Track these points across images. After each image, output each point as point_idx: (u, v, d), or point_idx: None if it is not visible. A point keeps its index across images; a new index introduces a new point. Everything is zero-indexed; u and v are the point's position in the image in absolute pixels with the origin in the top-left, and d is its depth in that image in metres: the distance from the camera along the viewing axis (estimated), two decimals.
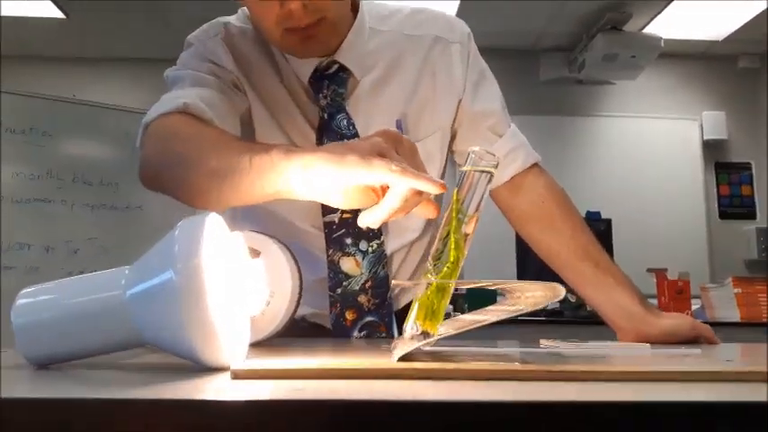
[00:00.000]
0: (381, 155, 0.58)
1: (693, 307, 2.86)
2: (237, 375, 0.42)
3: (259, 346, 0.79)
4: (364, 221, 0.62)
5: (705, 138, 4.47)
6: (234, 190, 0.71)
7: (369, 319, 1.08)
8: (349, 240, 1.08)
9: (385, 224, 1.11)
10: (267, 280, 0.78)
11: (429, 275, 0.52)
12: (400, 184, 0.56)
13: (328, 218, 1.08)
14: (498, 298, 0.76)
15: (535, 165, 1.14)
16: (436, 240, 0.53)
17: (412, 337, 0.51)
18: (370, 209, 0.62)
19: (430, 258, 0.53)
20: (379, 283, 1.08)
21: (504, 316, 0.49)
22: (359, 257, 1.08)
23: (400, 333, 1.10)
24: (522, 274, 2.94)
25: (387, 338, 1.06)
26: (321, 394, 0.35)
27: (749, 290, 2.66)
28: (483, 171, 0.53)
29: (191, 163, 0.78)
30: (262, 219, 1.14)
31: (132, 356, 0.56)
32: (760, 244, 4.40)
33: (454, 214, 0.52)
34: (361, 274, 1.08)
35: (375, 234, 1.08)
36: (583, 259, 1.06)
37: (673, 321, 1.01)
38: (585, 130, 4.50)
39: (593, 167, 4.40)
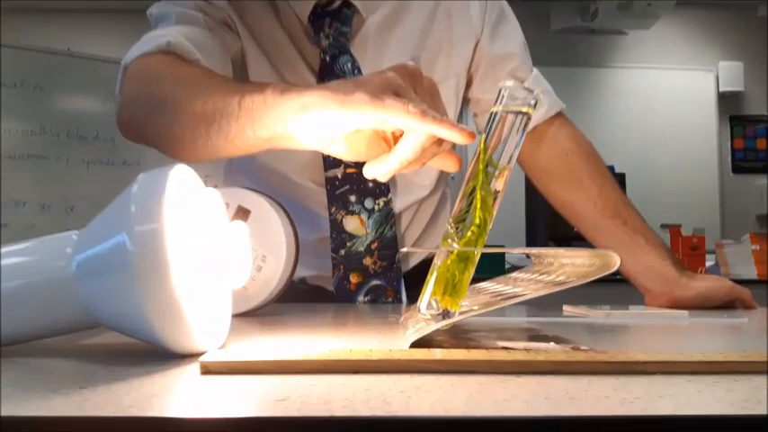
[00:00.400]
0: (396, 93, 0.48)
1: (707, 264, 2.77)
2: (208, 369, 0.33)
3: (250, 315, 0.70)
4: (371, 172, 0.52)
5: (721, 89, 4.31)
6: (222, 137, 0.61)
7: (375, 282, 0.99)
8: (353, 198, 0.99)
9: (393, 179, 1.02)
10: (259, 242, 0.69)
11: (450, 241, 0.42)
12: (418, 129, 0.47)
13: (330, 172, 0.98)
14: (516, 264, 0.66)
15: (560, 114, 1.03)
16: (458, 198, 0.43)
17: (429, 317, 0.41)
18: (379, 158, 0.52)
19: (450, 220, 0.43)
20: (387, 244, 0.99)
21: (545, 291, 0.39)
22: (364, 216, 0.99)
23: (409, 298, 1.02)
24: (531, 239, 2.85)
25: (394, 304, 0.98)
26: (310, 407, 0.26)
27: (767, 246, 2.57)
28: (518, 112, 0.42)
29: (173, 108, 0.68)
30: (257, 174, 1.04)
31: (91, 336, 0.47)
32: None
33: (481, 166, 0.42)
34: (367, 234, 0.98)
35: (382, 191, 0.99)
36: (611, 218, 0.96)
37: (708, 284, 0.92)
38: (597, 81, 4.34)
39: (605, 120, 4.25)
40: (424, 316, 0.42)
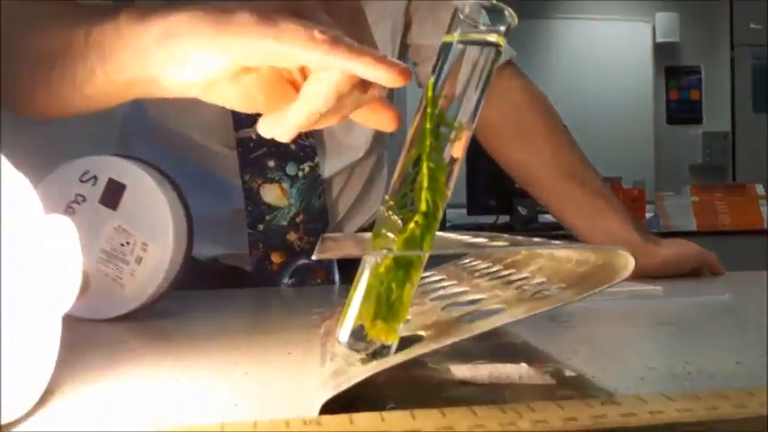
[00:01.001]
0: (297, 14, 0.33)
1: (647, 215, 2.75)
2: None
3: (129, 319, 0.54)
4: (267, 129, 0.37)
5: (657, 40, 4.28)
6: (67, 84, 0.44)
7: (302, 261, 0.85)
8: (272, 162, 0.83)
9: (320, 140, 0.86)
10: (137, 226, 0.53)
11: (384, 236, 0.27)
12: (329, 64, 0.32)
13: (242, 132, 0.82)
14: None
15: (510, 63, 0.90)
16: (396, 172, 0.28)
17: (351, 355, 0.27)
18: (280, 110, 0.37)
19: (384, 205, 0.29)
20: (314, 217, 0.84)
21: (526, 311, 0.25)
22: (285, 184, 0.83)
23: (343, 277, 0.87)
24: (472, 197, 2.74)
25: (325, 286, 0.84)
26: None
27: (707, 198, 2.55)
28: (483, 42, 0.28)
29: (11, 50, 0.50)
30: (151, 136, 0.87)
31: None
32: (704, 149, 4.33)
33: (429, 125, 0.27)
34: (290, 205, 0.83)
35: (307, 153, 0.83)
36: (567, 179, 0.84)
37: (676, 250, 0.83)
38: (532, 33, 4.22)
39: (541, 72, 4.14)
40: (344, 353, 0.28)
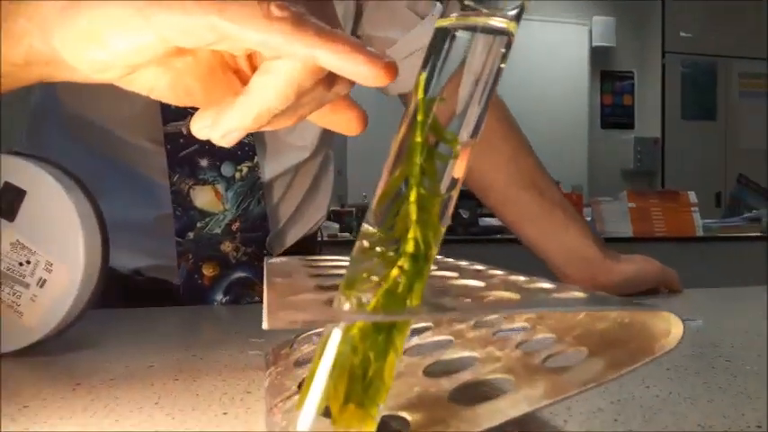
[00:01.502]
0: None
1: None
2: None
3: (26, 355, 0.45)
4: (202, 128, 0.29)
5: (593, 44, 4.35)
6: None
7: (238, 275, 0.76)
8: (204, 161, 0.74)
9: (260, 138, 0.78)
10: (39, 241, 0.44)
11: (358, 283, 0.20)
12: (291, 50, 0.24)
13: (171, 126, 0.73)
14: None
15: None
16: (377, 195, 0.21)
17: None
18: (222, 105, 0.28)
19: (362, 233, 0.21)
20: (253, 224, 0.76)
21: (567, 391, 0.19)
22: (220, 187, 0.75)
23: None
24: None
25: (262, 302, 0.75)
26: None
27: (643, 204, 2.58)
28: (490, 30, 0.21)
29: None
30: (67, 128, 0.77)
31: None
32: (636, 153, 4.44)
33: (418, 139, 0.20)
34: (225, 210, 0.75)
35: (245, 153, 0.75)
36: (525, 188, 0.79)
37: (636, 267, 0.79)
38: None
39: None
40: None
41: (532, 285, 0.25)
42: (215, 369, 0.41)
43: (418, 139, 0.21)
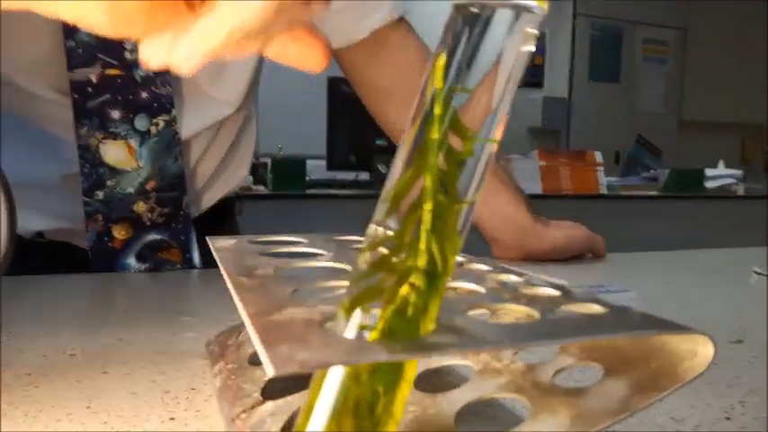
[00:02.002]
0: None
1: None
2: None
3: None
4: (159, 51, 0.23)
5: None
6: None
7: (152, 237, 0.70)
8: (116, 113, 0.67)
9: (179, 90, 0.71)
10: None
11: (363, 296, 0.17)
12: None
13: (78, 73, 0.65)
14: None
15: (403, 20, 0.79)
16: (386, 188, 0.18)
17: None
18: (183, 27, 0.23)
19: (369, 237, 0.18)
20: (169, 183, 0.70)
21: (600, 424, 0.17)
22: (133, 142, 0.68)
23: (204, 260, 0.74)
24: (333, 156, 2.62)
25: (182, 271, 0.70)
26: None
27: (553, 163, 2.66)
28: (523, 7, 0.18)
29: None
30: None
31: None
32: (544, 112, 4.56)
33: (435, 134, 0.17)
34: (139, 168, 0.68)
35: (162, 105, 0.68)
36: None
37: (566, 233, 0.79)
38: None
39: None
40: None
41: (536, 292, 0.23)
42: (148, 358, 0.37)
43: (434, 135, 0.17)
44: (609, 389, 0.19)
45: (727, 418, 0.30)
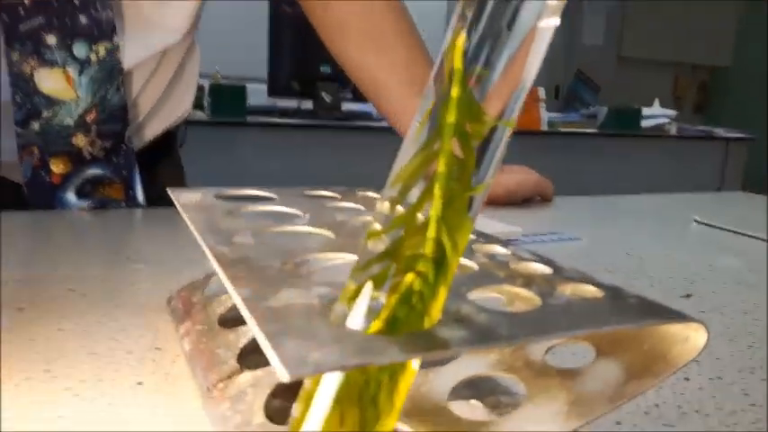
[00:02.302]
0: None
1: None
2: None
3: None
4: None
5: None
6: None
7: (93, 172, 0.67)
8: (52, 39, 0.62)
9: (120, 14, 0.66)
10: None
11: (351, 297, 0.16)
12: None
13: None
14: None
15: None
16: (396, 166, 0.17)
17: None
18: None
19: (378, 212, 0.17)
20: (110, 115, 0.66)
21: (596, 411, 0.16)
22: (72, 70, 0.63)
23: (147, 196, 0.71)
24: (274, 81, 2.51)
25: (126, 210, 0.67)
26: None
27: None
28: None
29: None
30: None
31: None
32: None
33: (451, 117, 0.16)
34: (78, 98, 0.64)
35: (103, 31, 0.63)
36: (419, 95, 0.75)
37: (517, 178, 0.81)
38: None
39: None
40: None
41: (527, 269, 0.22)
42: (104, 311, 0.35)
43: (450, 119, 0.16)
44: (603, 372, 0.20)
45: (686, 379, 0.31)
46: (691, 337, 0.19)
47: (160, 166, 0.78)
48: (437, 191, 0.17)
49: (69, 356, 0.30)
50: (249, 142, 2.28)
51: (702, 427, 0.26)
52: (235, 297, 0.18)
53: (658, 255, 0.57)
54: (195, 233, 0.24)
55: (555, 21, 0.17)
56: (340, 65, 0.79)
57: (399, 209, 0.18)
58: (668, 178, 3.06)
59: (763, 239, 0.65)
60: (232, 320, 0.29)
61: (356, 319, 0.17)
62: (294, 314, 0.17)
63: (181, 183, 0.84)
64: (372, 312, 0.17)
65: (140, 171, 0.69)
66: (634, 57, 4.74)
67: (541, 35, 0.17)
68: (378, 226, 0.17)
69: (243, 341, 0.26)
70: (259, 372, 0.24)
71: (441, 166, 0.17)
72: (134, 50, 0.67)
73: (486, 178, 0.17)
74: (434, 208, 0.17)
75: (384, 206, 0.17)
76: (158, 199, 0.71)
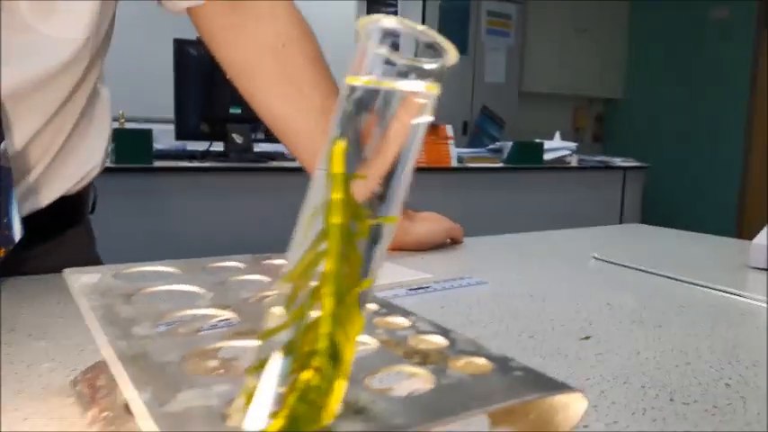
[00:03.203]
0: None
1: None
2: None
3: None
4: None
5: None
6: None
7: None
8: None
9: None
10: None
11: (247, 400, 0.16)
12: None
13: None
14: None
15: None
16: (288, 263, 0.17)
17: None
18: None
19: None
20: None
21: None
22: None
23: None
24: (181, 125, 2.46)
25: (15, 279, 0.62)
26: None
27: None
28: (411, 92, 0.17)
29: None
30: None
31: None
32: None
33: (336, 218, 0.17)
34: None
35: None
36: None
37: (428, 227, 0.83)
38: None
39: None
40: None
41: (424, 343, 0.23)
42: (5, 398, 0.33)
43: (335, 221, 0.17)
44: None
45: (585, 426, 0.33)
46: (571, 405, 0.21)
47: (63, 236, 0.70)
48: (326, 288, 0.17)
49: None
50: (159, 187, 2.22)
51: None
52: (135, 401, 0.18)
53: (559, 295, 0.60)
54: (92, 329, 0.24)
55: (424, 119, 0.19)
56: (251, 107, 0.75)
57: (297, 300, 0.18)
58: (571, 208, 3.21)
59: (655, 274, 0.69)
60: None
61: (255, 421, 0.17)
62: (194, 419, 0.17)
63: (89, 255, 0.76)
64: (271, 411, 0.17)
65: (39, 239, 0.63)
66: (534, 92, 4.98)
67: (408, 136, 0.18)
68: (277, 312, 0.18)
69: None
70: None
71: (329, 264, 0.17)
72: (12, 63, 0.55)
73: (371, 273, 0.18)
74: (325, 306, 0.18)
75: (281, 298, 0.18)
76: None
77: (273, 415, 0.17)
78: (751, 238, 0.76)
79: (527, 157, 3.07)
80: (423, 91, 0.18)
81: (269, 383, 0.17)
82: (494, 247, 0.87)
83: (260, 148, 2.55)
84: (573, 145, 3.31)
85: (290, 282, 0.18)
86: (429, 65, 0.18)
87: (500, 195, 2.98)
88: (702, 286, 0.64)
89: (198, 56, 2.35)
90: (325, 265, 0.17)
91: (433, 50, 0.18)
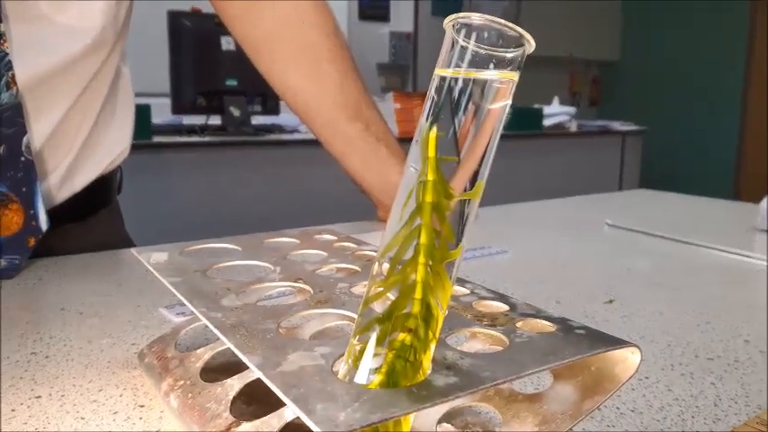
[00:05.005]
0: None
1: None
2: None
3: None
4: None
5: None
6: None
7: None
8: None
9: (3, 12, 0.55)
10: None
11: (357, 357, 0.19)
12: None
13: None
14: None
15: None
16: (386, 232, 0.20)
17: None
18: None
19: (373, 279, 0.20)
20: (1, 118, 0.56)
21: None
22: None
23: (52, 219, 0.58)
24: (178, 98, 2.44)
25: (30, 231, 0.62)
26: None
27: (407, 106, 2.72)
28: (497, 81, 0.19)
29: None
30: None
31: None
32: (391, 47, 4.63)
33: (429, 197, 0.19)
34: None
35: None
36: (352, 120, 0.75)
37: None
38: None
39: None
40: None
41: (488, 308, 0.26)
42: (77, 373, 0.36)
43: (428, 199, 0.19)
44: (562, 394, 0.23)
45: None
46: (629, 358, 0.23)
47: (96, 216, 0.72)
48: (421, 258, 0.20)
49: (56, 425, 0.30)
50: (158, 163, 2.22)
51: (638, 425, 0.31)
52: (250, 366, 0.20)
53: (579, 261, 0.63)
54: (185, 302, 0.26)
55: (505, 103, 0.21)
56: (267, 82, 0.76)
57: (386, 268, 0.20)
58: (572, 174, 3.23)
59: (668, 239, 0.72)
60: (213, 370, 0.31)
61: (363, 375, 0.20)
62: (309, 376, 0.19)
63: (120, 234, 0.79)
64: (374, 367, 0.20)
65: (74, 221, 0.65)
66: (531, 54, 4.94)
67: (496, 116, 0.20)
68: (373, 287, 0.20)
69: (231, 394, 0.28)
70: (257, 422, 0.26)
71: (423, 237, 0.20)
72: (30, 53, 0.57)
73: (460, 245, 0.20)
74: (419, 273, 0.20)
75: (380, 269, 0.20)
76: (93, 247, 0.67)
77: (376, 371, 0.20)
78: (749, 198, 0.78)
79: (526, 123, 3.08)
80: (505, 78, 0.20)
81: (371, 344, 0.20)
82: (508, 217, 0.89)
83: (256, 120, 2.55)
84: (572, 110, 3.31)
85: (388, 254, 0.20)
86: (510, 54, 0.20)
87: (497, 162, 2.99)
88: (714, 249, 0.67)
89: (192, 27, 2.33)
90: (420, 239, 0.20)
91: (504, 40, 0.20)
